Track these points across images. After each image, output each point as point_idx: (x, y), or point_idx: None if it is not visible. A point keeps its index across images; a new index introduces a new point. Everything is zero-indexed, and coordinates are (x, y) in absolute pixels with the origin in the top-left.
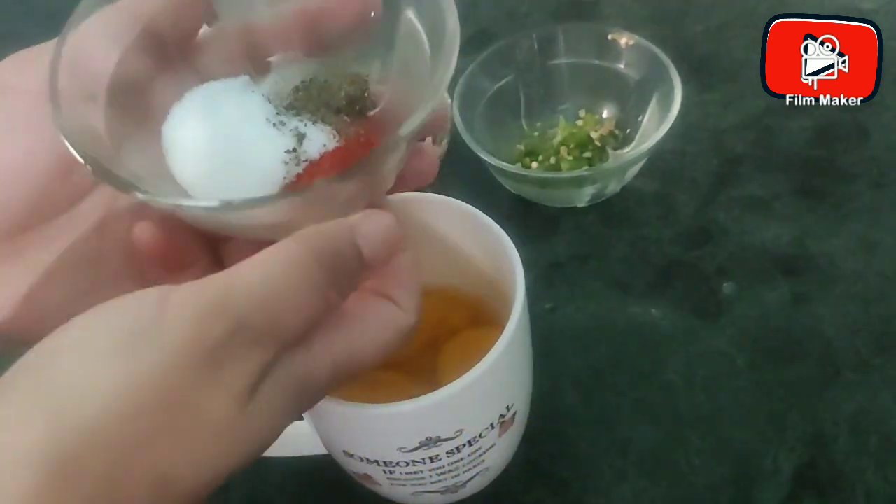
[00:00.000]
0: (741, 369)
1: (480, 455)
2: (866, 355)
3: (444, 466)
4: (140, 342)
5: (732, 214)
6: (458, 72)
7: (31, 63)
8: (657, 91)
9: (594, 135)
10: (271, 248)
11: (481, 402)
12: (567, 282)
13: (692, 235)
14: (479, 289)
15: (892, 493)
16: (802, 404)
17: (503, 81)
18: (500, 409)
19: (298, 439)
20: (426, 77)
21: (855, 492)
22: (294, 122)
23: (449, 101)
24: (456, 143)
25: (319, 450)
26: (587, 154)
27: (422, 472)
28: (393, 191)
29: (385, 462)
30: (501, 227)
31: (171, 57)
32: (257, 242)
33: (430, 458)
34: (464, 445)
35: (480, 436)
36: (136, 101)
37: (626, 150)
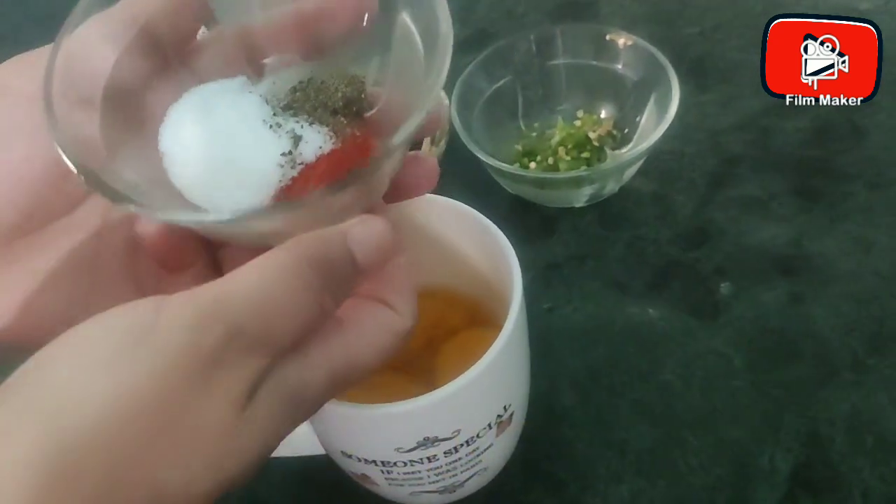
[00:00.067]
0: (738, 369)
1: (478, 455)
2: (863, 355)
3: (441, 466)
4: (137, 349)
5: (730, 215)
6: (456, 72)
7: (32, 65)
8: (655, 91)
9: (592, 135)
10: (265, 255)
11: (479, 402)
12: (565, 282)
13: (690, 236)
14: (477, 289)
15: (889, 493)
16: (799, 404)
17: (501, 82)
18: (497, 410)
19: (297, 439)
20: (421, 79)
21: (851, 491)
22: (290, 124)
23: (446, 101)
24: (454, 144)
25: (318, 450)
26: (585, 154)
27: (420, 472)
28: (395, 201)
29: (383, 462)
30: (499, 227)
31: (168, 60)
32: (253, 248)
33: (428, 459)
34: (461, 445)
35: (478, 436)
36: (133, 105)
37: (624, 150)
